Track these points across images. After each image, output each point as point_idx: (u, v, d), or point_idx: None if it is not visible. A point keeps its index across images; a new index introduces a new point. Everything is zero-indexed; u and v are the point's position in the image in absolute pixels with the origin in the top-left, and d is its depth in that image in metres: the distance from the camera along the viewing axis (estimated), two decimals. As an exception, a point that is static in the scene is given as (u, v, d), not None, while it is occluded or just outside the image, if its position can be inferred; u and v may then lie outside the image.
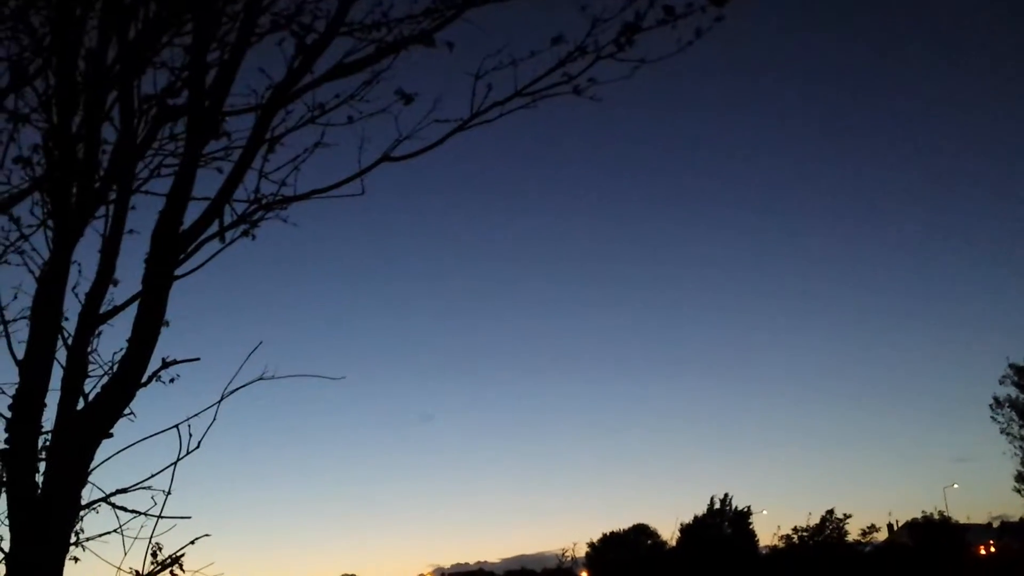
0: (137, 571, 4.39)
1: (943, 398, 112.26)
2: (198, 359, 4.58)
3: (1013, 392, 54.72)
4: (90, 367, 4.23)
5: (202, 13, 4.30)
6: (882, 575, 53.20)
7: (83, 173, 4.29)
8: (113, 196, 4.37)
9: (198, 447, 4.48)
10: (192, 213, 4.22)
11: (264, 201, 4.58)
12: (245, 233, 4.57)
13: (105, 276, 4.27)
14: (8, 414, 4.03)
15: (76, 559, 4.35)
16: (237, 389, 4.59)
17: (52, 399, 4.08)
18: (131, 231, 4.37)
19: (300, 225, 4.81)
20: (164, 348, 4.22)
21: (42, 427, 4.07)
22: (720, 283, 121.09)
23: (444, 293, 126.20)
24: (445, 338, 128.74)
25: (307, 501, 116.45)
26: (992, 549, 61.03)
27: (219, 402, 4.53)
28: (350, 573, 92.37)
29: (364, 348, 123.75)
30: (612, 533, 67.61)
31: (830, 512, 59.62)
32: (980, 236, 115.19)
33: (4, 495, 3.98)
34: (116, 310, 4.34)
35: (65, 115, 4.33)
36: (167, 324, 4.19)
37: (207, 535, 4.54)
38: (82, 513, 4.17)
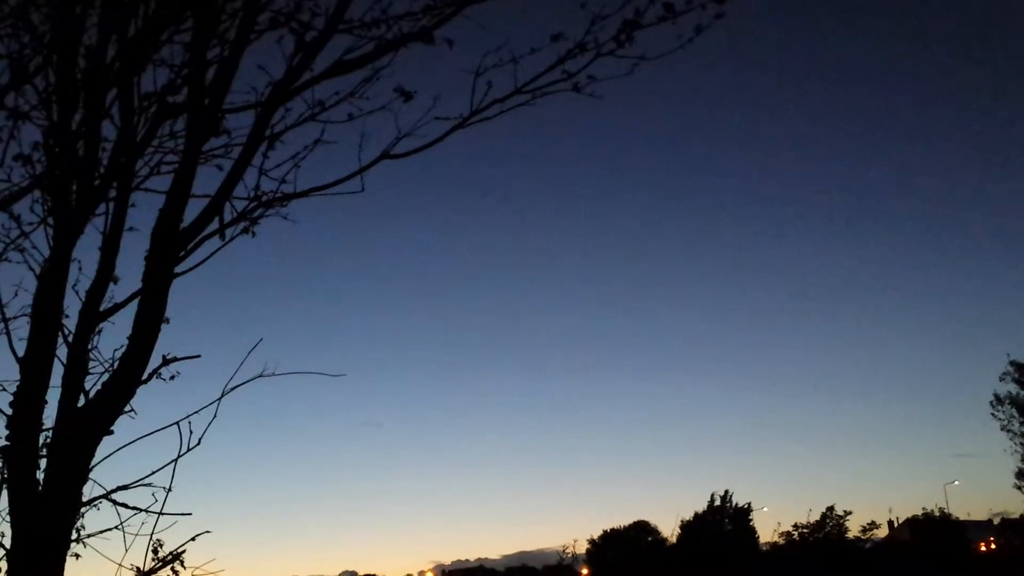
0: (138, 567, 4.40)
1: (944, 395, 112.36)
2: (198, 356, 4.59)
3: (1013, 389, 54.70)
4: (91, 364, 4.24)
5: (202, 10, 4.30)
6: (883, 572, 53.21)
7: (83, 171, 4.30)
8: (113, 194, 4.37)
9: (199, 444, 4.49)
10: (192, 210, 4.23)
11: (264, 198, 4.59)
12: (245, 230, 4.58)
13: (105, 273, 4.27)
14: (9, 411, 4.04)
15: (77, 556, 4.36)
16: (238, 386, 4.60)
17: (53, 396, 4.09)
18: (131, 228, 4.37)
19: (300, 222, 4.83)
20: (164, 345, 4.23)
21: (43, 424, 4.07)
22: (721, 280, 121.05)
23: (444, 290, 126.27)
24: (445, 335, 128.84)
25: (308, 498, 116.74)
26: (993, 546, 60.99)
27: (219, 399, 4.54)
28: (350, 570, 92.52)
29: (364, 345, 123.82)
30: (613, 530, 67.65)
31: (830, 509, 59.68)
32: (981, 233, 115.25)
33: (5, 492, 3.99)
34: (116, 307, 4.35)
35: (65, 113, 4.34)
36: (167, 321, 4.19)
37: (208, 532, 4.55)
38: (83, 510, 4.17)
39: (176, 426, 4.47)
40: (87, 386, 4.15)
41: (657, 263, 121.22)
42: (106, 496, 4.30)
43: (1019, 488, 54.29)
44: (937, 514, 59.64)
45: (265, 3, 4.37)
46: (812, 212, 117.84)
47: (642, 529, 67.13)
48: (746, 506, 61.90)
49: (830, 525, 59.17)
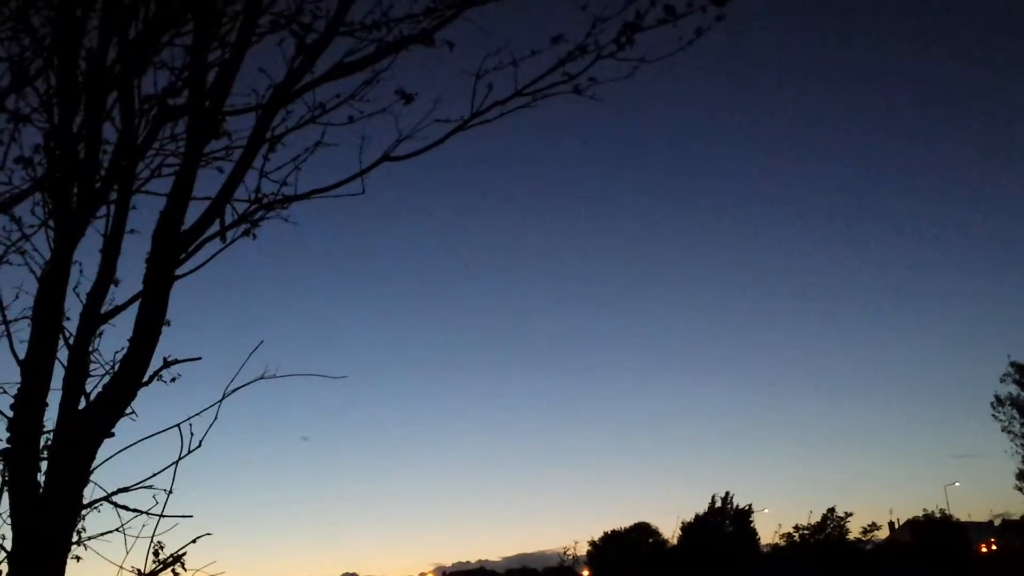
0: (139, 570, 4.40)
1: (944, 396, 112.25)
2: (199, 358, 4.59)
3: (1014, 390, 54.71)
4: (91, 366, 4.24)
5: (202, 13, 4.30)
6: (883, 573, 53.16)
7: (84, 173, 4.30)
8: (114, 196, 4.37)
9: (199, 446, 4.49)
10: (193, 213, 4.23)
11: (265, 201, 4.59)
12: (246, 233, 4.58)
13: (106, 276, 4.27)
14: (10, 413, 4.04)
15: (78, 558, 4.36)
16: (238, 388, 4.60)
17: (54, 399, 4.09)
18: (132, 231, 4.37)
19: (301, 224, 4.83)
20: (165, 347, 4.23)
21: (44, 426, 4.07)
22: (721, 281, 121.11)
23: (445, 292, 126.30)
24: (446, 337, 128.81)
25: (308, 500, 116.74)
26: (993, 547, 60.95)
27: (220, 401, 4.54)
28: (351, 572, 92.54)
29: (365, 347, 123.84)
30: (613, 532, 67.65)
31: (831, 510, 59.67)
32: (981, 233, 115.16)
33: (6, 494, 3.99)
34: (117, 310, 4.35)
35: (66, 115, 4.34)
36: (168, 323, 4.19)
37: (208, 534, 4.55)
38: (84, 512, 4.17)
39: (177, 428, 4.47)
40: (88, 388, 4.15)
41: (657, 264, 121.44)
42: (107, 498, 4.30)
43: (1020, 489, 54.30)
44: (938, 515, 59.69)
45: (266, 6, 4.37)
46: (812, 212, 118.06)
47: (643, 531, 67.11)
48: (747, 507, 61.91)
49: (831, 526, 59.15)
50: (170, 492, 4.44)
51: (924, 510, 60.95)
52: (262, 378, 4.63)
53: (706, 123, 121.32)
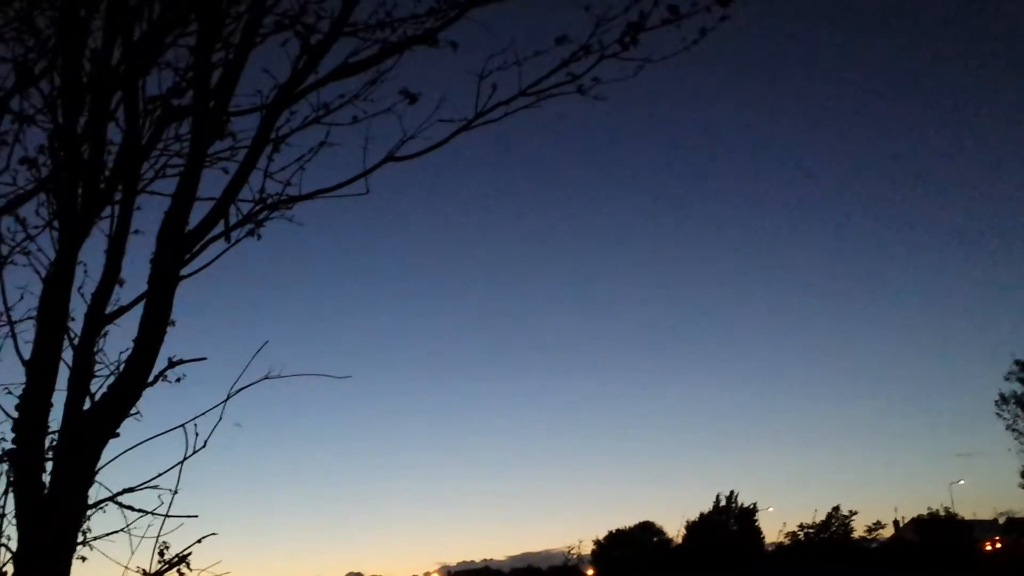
0: (144, 570, 4.41)
1: (949, 394, 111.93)
2: (204, 359, 4.59)
3: (1019, 388, 54.73)
4: (96, 367, 4.25)
5: (206, 14, 4.30)
6: (888, 572, 53.13)
7: (88, 174, 4.30)
8: (118, 197, 4.38)
9: (204, 446, 4.49)
10: (197, 213, 4.23)
11: (269, 201, 4.59)
12: (250, 233, 4.58)
13: (111, 276, 4.28)
14: (15, 414, 4.05)
15: (83, 558, 4.36)
16: (243, 388, 4.60)
17: (59, 399, 4.10)
18: (137, 231, 4.38)
19: (305, 225, 4.83)
20: (170, 348, 4.23)
21: (49, 427, 4.08)
22: (725, 281, 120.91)
23: (448, 292, 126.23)
24: (450, 337, 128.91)
25: (313, 500, 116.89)
26: (998, 545, 60.88)
27: (225, 401, 4.54)
28: (356, 571, 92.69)
29: (369, 347, 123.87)
30: (618, 531, 67.77)
31: (836, 509, 59.80)
32: (985, 231, 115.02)
33: (11, 495, 4.00)
34: (122, 310, 4.35)
35: (70, 116, 4.34)
36: (173, 324, 4.19)
37: (214, 534, 4.55)
38: (89, 512, 4.18)
39: (182, 428, 4.47)
40: (93, 389, 4.16)
41: (663, 263, 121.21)
42: (112, 499, 4.31)
43: (1024, 487, 54.24)
44: (942, 514, 59.71)
45: (270, 6, 4.38)
46: (816, 211, 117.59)
47: (647, 530, 67.19)
48: (751, 506, 62.03)
49: (835, 525, 59.24)
50: (175, 492, 4.45)
51: (929, 508, 61.08)
52: (267, 378, 4.63)
53: (710, 123, 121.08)
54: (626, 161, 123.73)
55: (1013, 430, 54.86)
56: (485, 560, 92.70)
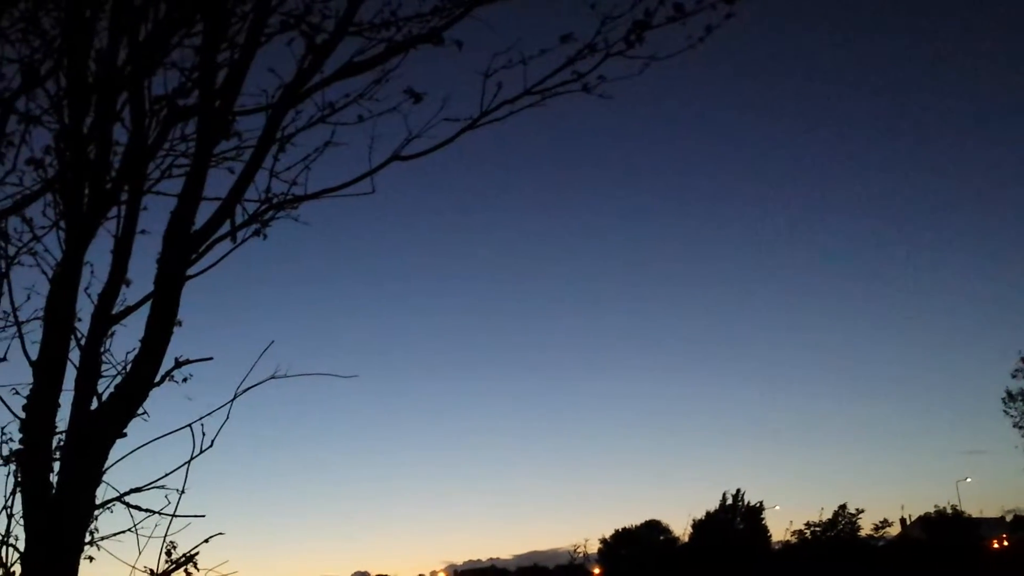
0: (152, 570, 4.41)
1: (955, 392, 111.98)
2: (211, 359, 4.60)
3: (1025, 385, 54.41)
4: (103, 367, 4.25)
5: (212, 14, 4.30)
6: (895, 570, 53.01)
7: (95, 174, 4.31)
8: (125, 197, 4.38)
9: (211, 446, 4.49)
10: (204, 213, 4.24)
11: (275, 200, 4.60)
12: (256, 232, 4.58)
13: (117, 277, 4.28)
14: (22, 414, 4.05)
15: (91, 558, 4.37)
16: (250, 388, 4.61)
17: (66, 399, 4.11)
18: (143, 231, 4.38)
19: (311, 224, 4.83)
20: (177, 348, 4.24)
21: (56, 427, 4.09)
22: (732, 278, 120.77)
23: (455, 291, 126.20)
24: (456, 336, 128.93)
25: (320, 499, 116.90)
26: (1005, 543, 60.73)
27: (232, 401, 4.54)
28: (363, 570, 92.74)
29: (376, 346, 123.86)
30: (624, 529, 67.56)
31: (842, 507, 59.60)
32: (991, 229, 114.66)
33: (19, 495, 4.00)
34: (129, 310, 4.36)
35: (76, 116, 4.35)
36: (179, 324, 4.20)
37: (221, 533, 4.55)
38: (96, 512, 4.18)
39: (189, 428, 4.48)
40: (100, 389, 4.16)
41: (670, 262, 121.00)
42: (119, 498, 4.31)
43: (1032, 485, 54.08)
44: (949, 512, 59.52)
45: (275, 6, 4.37)
46: (820, 211, 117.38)
47: (654, 528, 67.03)
48: (758, 505, 61.89)
49: (842, 523, 59.08)
50: (182, 492, 4.45)
51: (936, 506, 60.82)
52: (273, 378, 4.64)
53: (716, 121, 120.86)
54: (631, 159, 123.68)
55: (1020, 428, 54.59)
56: (491, 559, 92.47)
